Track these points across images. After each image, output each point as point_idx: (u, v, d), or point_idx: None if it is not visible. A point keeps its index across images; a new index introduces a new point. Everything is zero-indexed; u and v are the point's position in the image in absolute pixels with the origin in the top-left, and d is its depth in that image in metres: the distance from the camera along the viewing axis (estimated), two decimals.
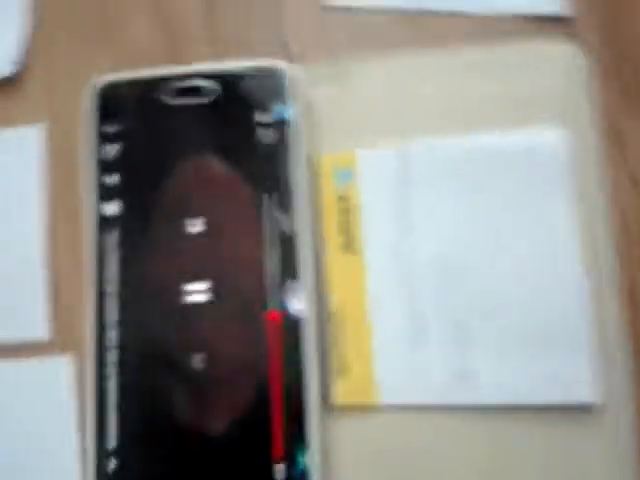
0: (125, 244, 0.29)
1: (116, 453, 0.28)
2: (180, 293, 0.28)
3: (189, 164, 0.29)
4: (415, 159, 0.29)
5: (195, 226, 0.29)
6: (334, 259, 0.29)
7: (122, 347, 0.28)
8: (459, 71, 0.30)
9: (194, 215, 0.29)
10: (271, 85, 0.30)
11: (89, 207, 0.29)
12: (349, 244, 0.29)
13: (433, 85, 0.30)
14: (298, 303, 0.28)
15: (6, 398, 0.30)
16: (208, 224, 0.29)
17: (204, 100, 0.30)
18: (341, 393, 0.28)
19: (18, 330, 0.31)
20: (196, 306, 0.28)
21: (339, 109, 0.30)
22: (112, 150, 0.30)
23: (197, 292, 0.28)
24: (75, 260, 0.31)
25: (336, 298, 0.29)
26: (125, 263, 0.29)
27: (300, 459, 0.27)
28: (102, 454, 0.28)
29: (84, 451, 0.29)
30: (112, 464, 0.27)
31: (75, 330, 0.30)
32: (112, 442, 0.28)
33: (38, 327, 0.31)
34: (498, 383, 0.27)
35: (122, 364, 0.28)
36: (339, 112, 0.30)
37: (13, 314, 0.31)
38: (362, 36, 0.32)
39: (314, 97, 0.30)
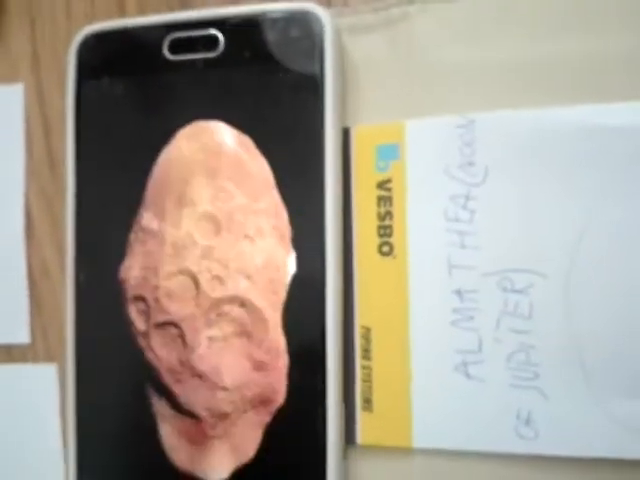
0: (106, 239, 0.23)
1: None
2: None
3: (191, 133, 0.23)
4: (486, 134, 0.21)
5: (195, 216, 0.22)
6: (369, 264, 0.22)
7: (101, 362, 0.23)
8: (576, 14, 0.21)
9: (194, 201, 0.22)
10: (301, 35, 0.22)
11: (69, 191, 0.24)
12: (389, 245, 0.22)
13: (530, 35, 0.22)
14: (322, 318, 0.21)
15: None
16: (212, 213, 0.22)
17: (213, 54, 0.23)
18: (367, 431, 0.22)
19: None
20: (190, 319, 0.22)
21: (386, 68, 0.23)
22: (97, 117, 0.24)
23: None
24: (58, 254, 0.25)
25: (368, 314, 0.22)
26: (105, 262, 0.23)
27: None
28: None
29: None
30: None
31: (58, 335, 0.25)
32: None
33: (19, 330, 0.25)
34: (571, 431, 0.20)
35: (102, 383, 0.23)
36: (386, 72, 0.23)
37: None
38: None
39: (354, 52, 0.23)
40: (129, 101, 0.23)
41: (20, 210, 0.26)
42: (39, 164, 0.26)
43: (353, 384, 0.22)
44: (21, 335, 0.26)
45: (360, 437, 0.22)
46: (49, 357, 0.26)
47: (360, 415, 0.22)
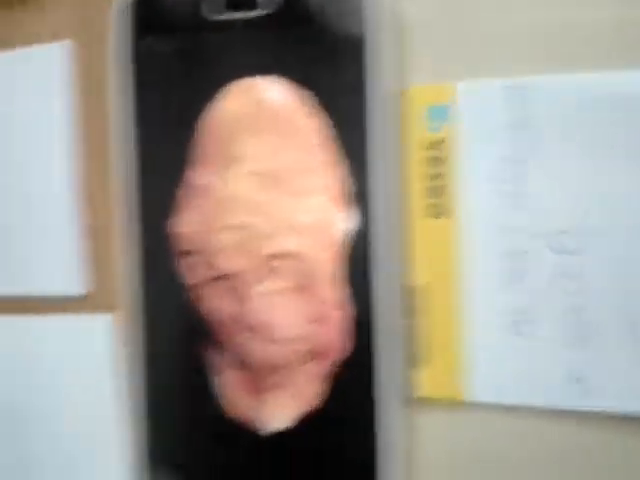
0: (158, 194, 0.23)
1: (154, 438, 0.23)
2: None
3: (239, 89, 0.23)
4: (537, 97, 0.21)
5: (245, 172, 0.22)
6: (420, 224, 0.22)
7: (157, 314, 0.23)
8: None
9: (243, 157, 0.22)
10: None
11: (120, 145, 0.24)
12: (440, 205, 0.22)
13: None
14: (376, 273, 0.22)
15: (42, 354, 0.27)
16: (261, 169, 0.22)
17: (260, 13, 0.23)
18: (423, 385, 0.22)
19: (51, 284, 0.26)
20: (242, 273, 0.22)
21: (439, 29, 0.23)
22: (147, 76, 0.24)
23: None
24: (111, 208, 0.26)
25: (420, 272, 0.22)
26: (158, 216, 0.23)
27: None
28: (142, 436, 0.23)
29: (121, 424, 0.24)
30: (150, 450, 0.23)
31: (113, 286, 0.25)
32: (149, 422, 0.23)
33: (74, 282, 0.26)
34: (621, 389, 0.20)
35: (157, 335, 0.23)
36: (438, 33, 0.23)
37: (44, 266, 0.26)
38: None
39: (407, 12, 0.23)
40: (179, 59, 0.23)
41: (69, 166, 0.26)
42: (88, 124, 0.26)
43: (410, 339, 0.22)
44: (76, 287, 0.26)
45: (416, 390, 0.22)
46: (105, 308, 0.26)
47: (416, 369, 0.22)
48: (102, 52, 0.26)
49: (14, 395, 0.27)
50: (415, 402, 0.23)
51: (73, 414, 0.26)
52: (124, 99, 0.24)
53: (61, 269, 0.26)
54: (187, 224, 0.23)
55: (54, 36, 0.26)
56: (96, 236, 0.26)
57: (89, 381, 0.26)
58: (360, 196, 0.22)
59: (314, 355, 0.22)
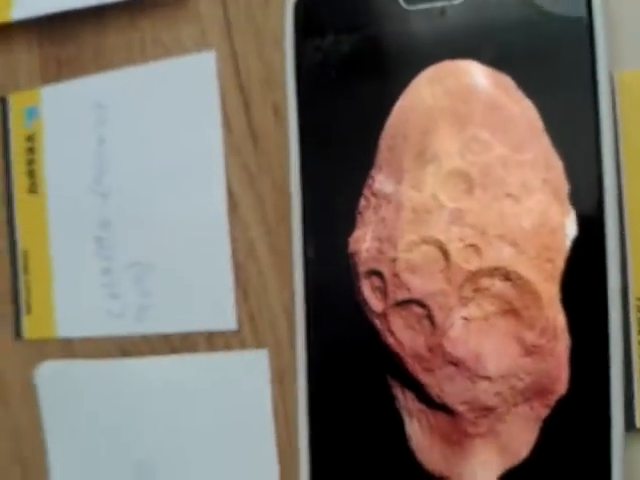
0: (335, 208, 0.19)
1: None
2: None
3: (434, 75, 0.18)
4: None
5: (442, 173, 0.18)
6: None
7: (333, 349, 0.19)
8: None
9: (438, 155, 0.18)
10: None
11: (293, 159, 0.20)
12: None
13: None
14: (604, 290, 0.17)
15: (199, 392, 0.23)
16: (462, 168, 0.18)
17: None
18: None
19: (202, 320, 0.22)
20: (439, 296, 0.18)
21: None
22: (320, 77, 0.20)
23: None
24: (265, 234, 0.22)
25: None
26: (335, 233, 0.19)
27: None
28: None
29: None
30: None
31: (267, 320, 0.21)
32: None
33: (224, 317, 0.22)
34: None
35: (336, 374, 0.19)
36: None
37: (194, 301, 0.22)
38: None
39: None
40: (358, 56, 0.19)
41: (222, 190, 0.23)
42: (240, 138, 0.23)
43: (629, 363, 0.17)
44: (227, 322, 0.22)
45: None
46: (257, 344, 0.22)
47: (638, 396, 0.17)
48: (254, 60, 0.22)
49: (168, 434, 0.23)
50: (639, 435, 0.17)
51: (229, 455, 0.22)
52: (298, 105, 0.20)
53: (209, 303, 0.22)
54: (370, 240, 0.18)
55: (197, 46, 0.23)
56: (248, 266, 0.22)
57: (244, 426, 0.22)
58: (587, 193, 0.17)
59: (529, 395, 0.17)
